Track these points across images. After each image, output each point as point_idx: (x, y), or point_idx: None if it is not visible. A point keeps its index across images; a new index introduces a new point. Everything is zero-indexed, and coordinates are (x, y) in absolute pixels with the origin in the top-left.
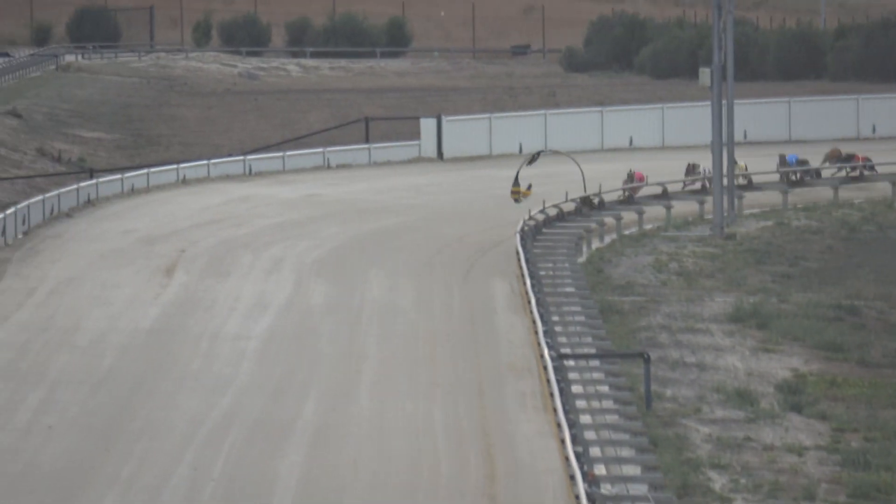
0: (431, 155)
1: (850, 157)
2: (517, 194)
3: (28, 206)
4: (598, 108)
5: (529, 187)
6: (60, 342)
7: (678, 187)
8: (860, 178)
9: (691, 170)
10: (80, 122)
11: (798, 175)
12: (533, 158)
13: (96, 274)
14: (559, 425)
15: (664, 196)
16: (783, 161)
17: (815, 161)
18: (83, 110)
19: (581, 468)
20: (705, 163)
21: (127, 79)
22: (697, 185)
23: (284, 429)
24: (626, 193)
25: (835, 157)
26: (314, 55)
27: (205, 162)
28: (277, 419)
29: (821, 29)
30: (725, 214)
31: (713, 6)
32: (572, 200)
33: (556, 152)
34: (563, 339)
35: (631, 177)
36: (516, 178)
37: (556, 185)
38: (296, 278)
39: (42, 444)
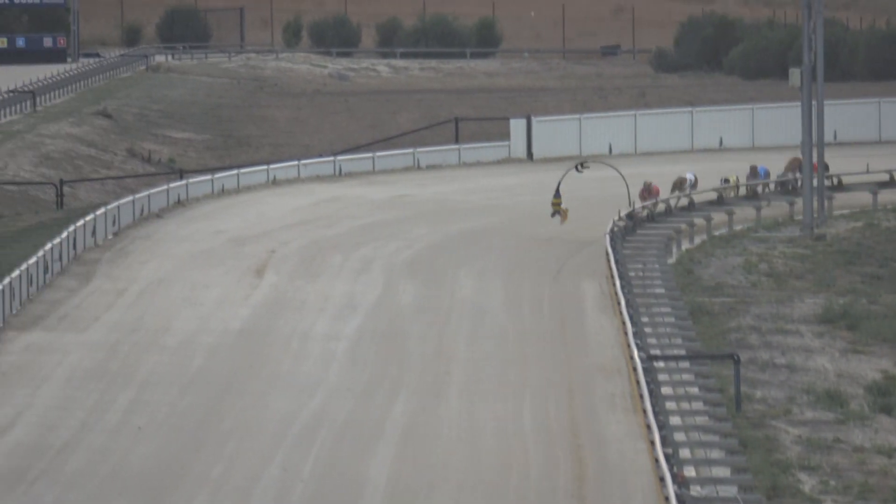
0: (521, 155)
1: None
2: (557, 206)
3: (118, 207)
4: (688, 109)
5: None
6: (150, 343)
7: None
8: None
9: (679, 185)
10: (170, 123)
11: (768, 187)
12: (580, 167)
13: (186, 274)
14: (649, 427)
15: (754, 197)
16: (754, 172)
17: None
18: (173, 111)
19: (671, 469)
20: (695, 170)
21: (217, 79)
22: (685, 202)
23: (374, 429)
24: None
25: (795, 167)
26: (404, 56)
27: (295, 163)
28: (367, 420)
29: None
30: (815, 215)
31: (803, 7)
32: (639, 208)
33: (601, 161)
34: (652, 341)
35: (648, 188)
36: (557, 189)
37: (618, 188)
38: (385, 279)
39: (132, 444)
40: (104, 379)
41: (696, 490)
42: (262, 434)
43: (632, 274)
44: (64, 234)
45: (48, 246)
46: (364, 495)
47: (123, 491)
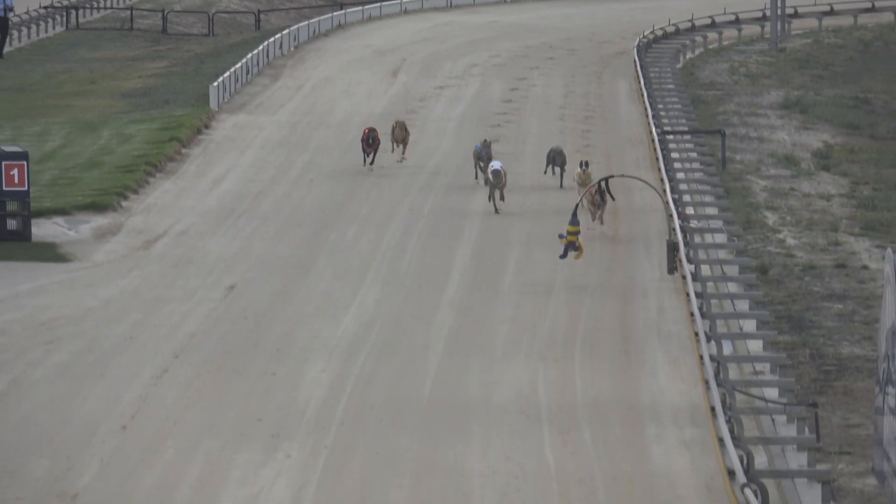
0: None
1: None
2: (574, 237)
3: (297, 29)
4: None
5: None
6: (319, 122)
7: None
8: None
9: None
10: None
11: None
12: (603, 185)
13: (344, 75)
14: (662, 180)
15: (738, 22)
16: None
17: None
18: None
19: (676, 209)
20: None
21: None
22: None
23: (472, 183)
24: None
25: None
26: None
27: None
28: (468, 174)
29: None
30: (779, 35)
31: None
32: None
33: (628, 176)
34: (665, 121)
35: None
36: (574, 215)
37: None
38: (481, 78)
39: (306, 192)
40: (287, 147)
41: (693, 223)
42: (398, 183)
43: (651, 75)
44: (260, 48)
45: (249, 55)
46: (465, 227)
47: (300, 223)
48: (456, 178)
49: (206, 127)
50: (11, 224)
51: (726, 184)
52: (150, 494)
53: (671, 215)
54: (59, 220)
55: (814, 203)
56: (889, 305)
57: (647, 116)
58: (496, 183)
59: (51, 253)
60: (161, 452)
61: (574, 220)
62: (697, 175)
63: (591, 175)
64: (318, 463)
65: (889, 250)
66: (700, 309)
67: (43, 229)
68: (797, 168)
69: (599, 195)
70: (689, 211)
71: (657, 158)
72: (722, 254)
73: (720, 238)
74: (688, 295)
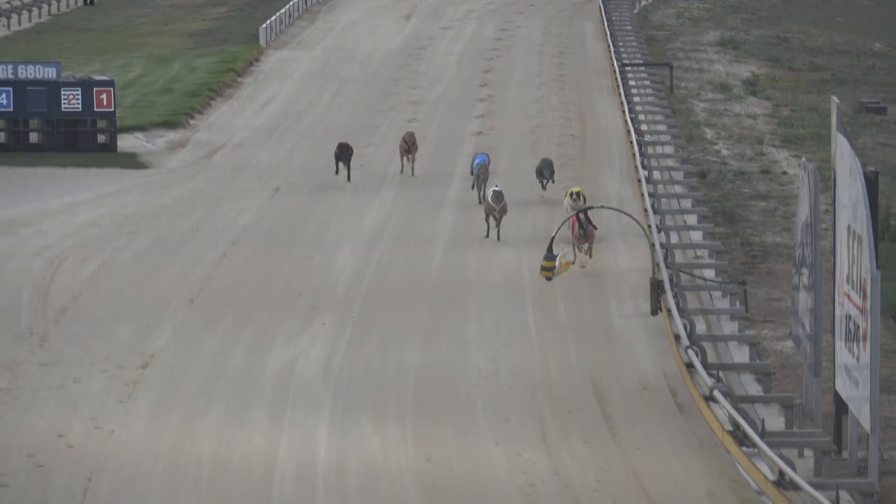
0: None
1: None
2: (550, 270)
3: None
4: None
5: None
6: (347, 57)
7: None
8: None
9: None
10: None
11: None
12: (583, 218)
13: (368, 19)
14: (622, 103)
15: None
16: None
17: None
18: None
19: (634, 127)
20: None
21: None
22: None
23: (470, 105)
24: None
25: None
26: None
27: None
28: (466, 99)
29: None
30: None
31: None
32: None
33: (608, 207)
34: (625, 55)
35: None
36: (550, 248)
37: None
38: (477, 22)
39: (336, 114)
40: (321, 77)
41: (648, 137)
42: (408, 108)
43: (613, 19)
44: None
45: (292, 2)
46: (464, 139)
47: (333, 135)
48: (457, 102)
49: (257, 60)
50: (101, 138)
51: (673, 106)
52: (212, 355)
53: (653, 245)
54: (139, 135)
55: (743, 121)
56: (803, 203)
57: (609, 52)
58: (496, 203)
59: (132, 161)
60: (221, 321)
61: (550, 255)
62: (650, 99)
63: (584, 205)
64: (347, 329)
65: (804, 159)
66: (652, 206)
67: (126, 142)
68: (730, 93)
69: (581, 228)
70: (644, 128)
71: (618, 86)
72: (670, 162)
73: (668, 149)
74: (642, 195)
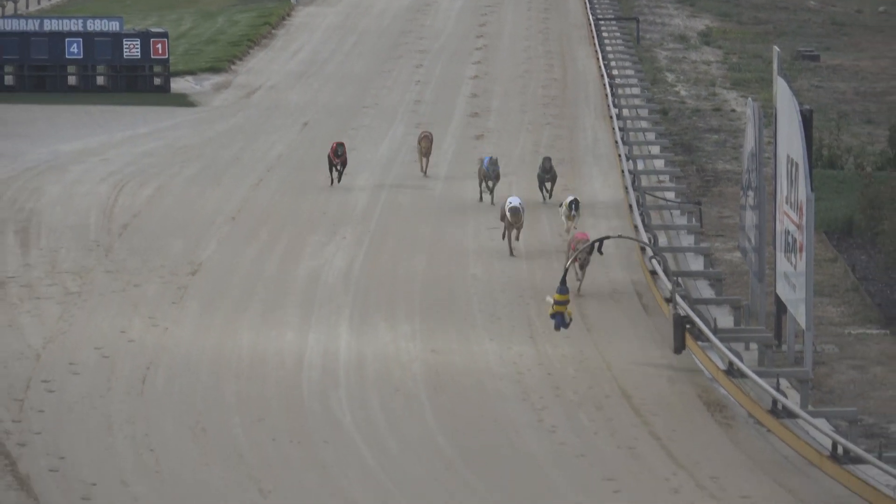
0: None
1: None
2: (564, 305)
3: None
4: None
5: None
6: (363, 14)
7: None
8: None
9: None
10: None
11: None
12: (597, 247)
13: None
14: (596, 52)
15: None
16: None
17: None
18: None
19: (607, 72)
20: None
21: None
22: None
23: (467, 53)
24: None
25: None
26: None
27: None
28: (465, 48)
29: None
30: None
31: None
32: None
33: (623, 237)
34: (598, 11)
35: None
36: (563, 280)
37: None
38: None
39: (353, 61)
40: (343, 29)
41: (618, 81)
42: (416, 55)
43: None
44: None
45: None
46: (463, 81)
47: (352, 82)
48: (456, 51)
49: (288, 15)
50: (157, 81)
51: (639, 54)
52: (251, 263)
53: (675, 282)
54: (189, 78)
55: (699, 67)
56: (749, 136)
57: (586, 8)
58: (514, 221)
59: (183, 100)
60: (258, 235)
61: (563, 289)
62: (620, 48)
63: (579, 217)
64: (364, 242)
65: (750, 99)
66: (622, 139)
67: (178, 84)
68: (687, 43)
69: (587, 255)
70: (615, 72)
71: (593, 37)
72: (636, 101)
73: (636, 91)
74: (613, 129)
